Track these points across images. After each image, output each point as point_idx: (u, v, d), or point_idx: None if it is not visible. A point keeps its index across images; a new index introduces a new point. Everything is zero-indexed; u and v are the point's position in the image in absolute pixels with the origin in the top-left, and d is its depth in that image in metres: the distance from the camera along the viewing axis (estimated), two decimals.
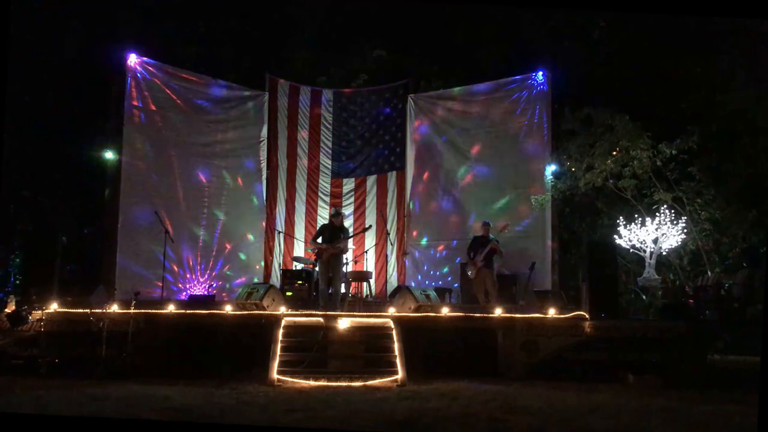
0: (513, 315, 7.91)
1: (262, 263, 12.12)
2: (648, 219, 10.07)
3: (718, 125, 10.52)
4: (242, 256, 11.84)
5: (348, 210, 12.49)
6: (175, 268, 10.71)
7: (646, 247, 9.97)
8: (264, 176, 12.30)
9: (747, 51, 10.04)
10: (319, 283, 9.27)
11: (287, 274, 10.53)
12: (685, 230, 9.95)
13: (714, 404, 5.88)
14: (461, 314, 8.00)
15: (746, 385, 6.18)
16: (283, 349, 7.07)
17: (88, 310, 7.34)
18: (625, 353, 7.55)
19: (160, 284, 9.74)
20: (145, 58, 10.72)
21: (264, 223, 12.22)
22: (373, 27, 13.37)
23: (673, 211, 10.09)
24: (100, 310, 7.27)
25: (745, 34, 9.80)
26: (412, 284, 11.34)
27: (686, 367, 7.38)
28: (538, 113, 10.95)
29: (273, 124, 12.42)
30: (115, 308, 7.55)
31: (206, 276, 11.20)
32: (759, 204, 10.38)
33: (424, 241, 12.13)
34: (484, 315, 7.96)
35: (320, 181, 12.80)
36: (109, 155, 10.54)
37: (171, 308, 7.78)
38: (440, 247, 11.91)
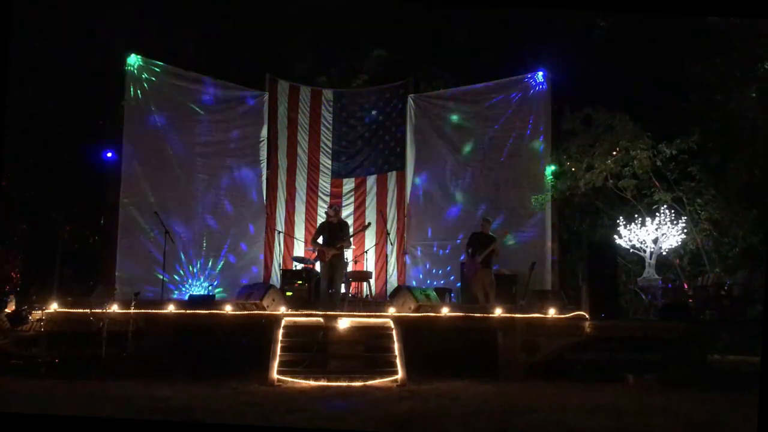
0: (513, 315, 7.91)
1: (262, 263, 12.12)
2: (648, 219, 10.07)
3: (718, 125, 10.51)
4: (242, 256, 11.84)
5: (348, 210, 12.48)
6: (175, 268, 10.71)
7: (646, 247, 9.96)
8: (264, 176, 12.30)
9: (747, 50, 10.04)
10: (320, 282, 9.27)
11: (287, 274, 10.53)
12: (685, 230, 9.94)
13: (714, 404, 5.88)
14: (461, 314, 8.00)
15: (746, 385, 6.17)
16: (283, 349, 7.07)
17: (88, 310, 7.35)
18: (625, 353, 7.55)
19: (160, 284, 9.74)
20: (145, 58, 10.72)
21: (264, 223, 12.22)
22: (373, 27, 13.35)
23: (673, 211, 10.09)
24: (100, 310, 7.28)
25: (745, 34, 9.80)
26: (413, 284, 11.34)
27: (686, 367, 7.38)
28: (538, 113, 10.95)
29: (273, 124, 12.42)
30: (115, 308, 7.55)
31: (206, 276, 11.20)
32: (759, 204, 10.37)
33: (423, 241, 12.13)
34: (484, 315, 7.96)
35: (320, 181, 12.80)
36: (109, 155, 10.53)
37: (171, 308, 7.78)
38: (440, 247, 11.90)
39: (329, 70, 13.70)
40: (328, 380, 6.76)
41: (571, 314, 7.90)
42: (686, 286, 10.06)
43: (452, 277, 11.47)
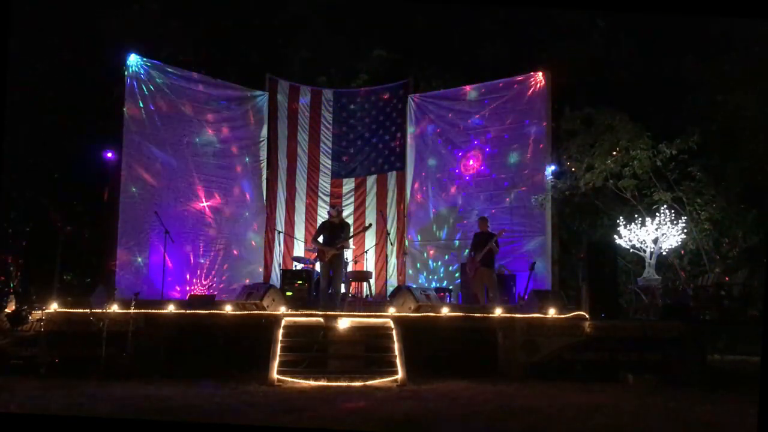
0: (513, 315, 7.91)
1: (262, 263, 12.12)
2: (648, 219, 10.07)
3: (718, 125, 10.52)
4: (242, 256, 11.84)
5: (348, 210, 12.47)
6: (175, 268, 10.71)
7: (646, 247, 9.96)
8: (264, 176, 12.31)
9: (746, 50, 10.04)
10: (320, 282, 9.27)
11: (287, 274, 10.53)
12: (685, 230, 9.94)
13: (714, 404, 5.88)
14: (461, 314, 8.00)
15: (746, 385, 6.17)
16: (283, 349, 7.07)
17: (88, 310, 7.34)
18: (625, 353, 7.55)
19: (161, 284, 9.74)
20: (145, 58, 10.72)
21: (264, 223, 12.23)
22: (373, 27, 13.36)
23: (673, 211, 10.09)
24: (100, 310, 7.28)
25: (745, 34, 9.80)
26: (412, 284, 11.33)
27: (686, 367, 7.37)
28: (538, 113, 10.95)
29: (273, 124, 12.42)
30: (115, 308, 7.55)
31: (206, 276, 11.20)
32: (759, 204, 10.38)
33: (423, 241, 12.12)
34: (484, 315, 7.96)
35: (320, 181, 12.80)
36: (109, 155, 10.54)
37: (171, 308, 7.78)
38: (440, 247, 11.90)
39: (329, 70, 13.70)
40: (328, 380, 6.76)
41: (571, 314, 7.90)
42: (686, 287, 10.06)
43: (452, 277, 11.46)
